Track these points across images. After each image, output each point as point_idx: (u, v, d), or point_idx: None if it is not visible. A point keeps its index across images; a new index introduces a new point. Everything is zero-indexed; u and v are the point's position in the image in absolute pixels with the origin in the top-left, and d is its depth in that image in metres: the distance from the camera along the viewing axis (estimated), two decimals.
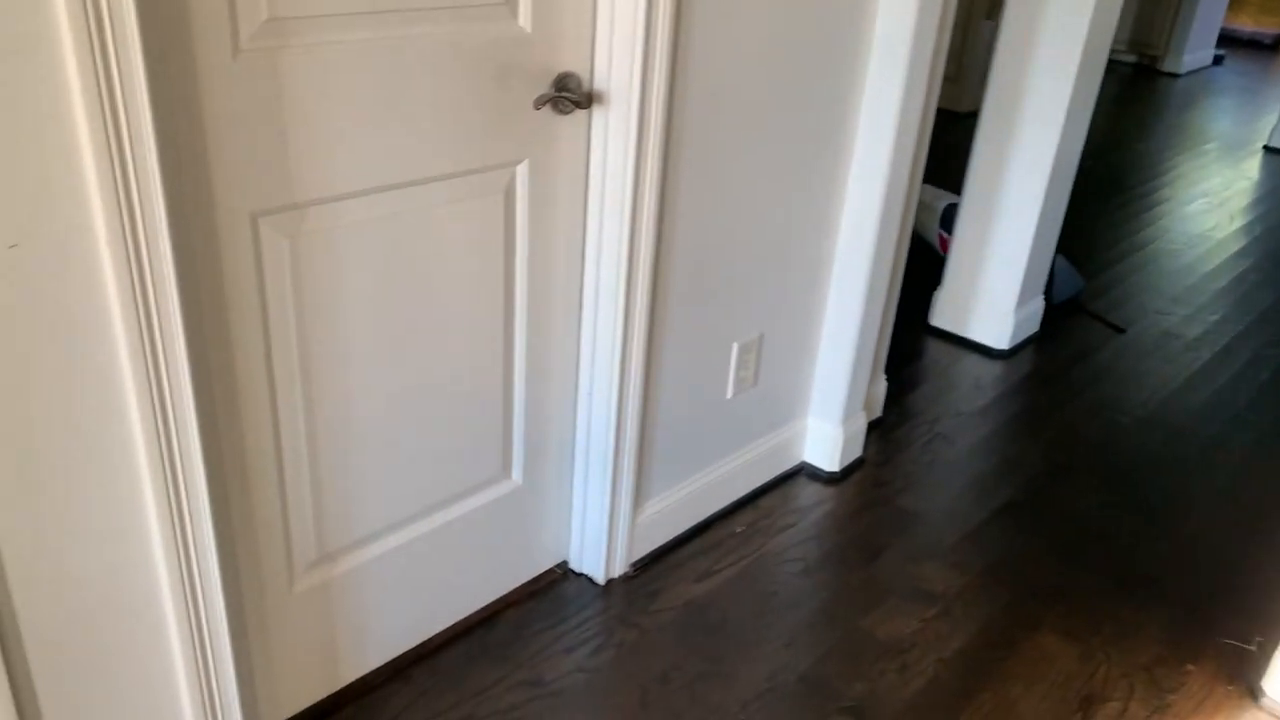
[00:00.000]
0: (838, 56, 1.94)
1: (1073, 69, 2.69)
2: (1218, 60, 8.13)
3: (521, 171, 1.55)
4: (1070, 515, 2.32)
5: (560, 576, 1.99)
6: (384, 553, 1.64)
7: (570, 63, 1.53)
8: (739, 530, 2.17)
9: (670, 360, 1.91)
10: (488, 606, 1.88)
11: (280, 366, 1.37)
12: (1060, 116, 2.75)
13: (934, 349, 3.09)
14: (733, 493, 2.24)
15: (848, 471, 2.41)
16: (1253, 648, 1.94)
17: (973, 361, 3.03)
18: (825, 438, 2.36)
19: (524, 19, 1.45)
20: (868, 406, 2.47)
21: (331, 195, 1.32)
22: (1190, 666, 1.90)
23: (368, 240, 1.39)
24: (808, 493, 2.33)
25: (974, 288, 3.06)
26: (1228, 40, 8.57)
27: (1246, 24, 9.19)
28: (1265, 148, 5.83)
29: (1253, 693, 1.84)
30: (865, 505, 2.30)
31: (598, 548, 1.95)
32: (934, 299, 3.17)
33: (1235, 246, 4.23)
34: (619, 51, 1.53)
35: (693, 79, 1.66)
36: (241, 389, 1.34)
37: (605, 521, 1.92)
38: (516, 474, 1.81)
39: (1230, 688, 1.85)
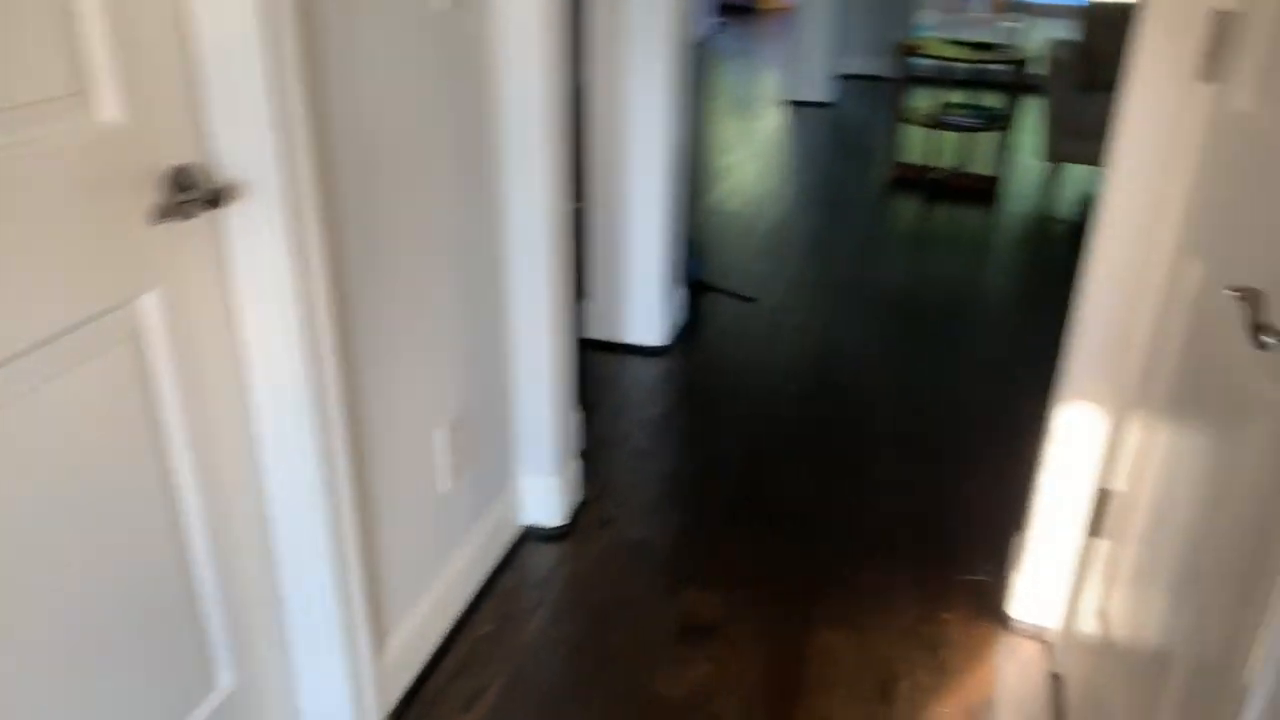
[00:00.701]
0: (472, 92, 1.72)
1: (666, 42, 2.68)
2: (721, 27, 8.99)
3: (149, 305, 1.16)
4: (787, 499, 2.35)
5: None
6: None
7: (188, 152, 1.16)
8: (490, 629, 1.91)
9: (380, 472, 1.59)
10: None
11: None
12: (664, 97, 2.74)
13: (597, 362, 3.00)
14: (471, 587, 1.96)
15: (574, 519, 2.23)
16: (984, 577, 2.08)
17: (637, 365, 2.99)
18: (546, 492, 2.16)
19: (113, 108, 1.06)
20: None
21: None
22: (945, 615, 1.99)
23: None
24: (542, 558, 2.12)
25: (620, 290, 3.01)
26: (725, 7, 9.51)
27: None
28: (791, 101, 6.52)
29: (1002, 621, 1.97)
30: (602, 552, 2.14)
31: (341, 716, 1.60)
32: (582, 311, 3.08)
33: (806, 196, 4.65)
34: (246, 127, 1.19)
35: (340, 145, 1.35)
36: None
37: (344, 679, 1.56)
38: (225, 679, 1.40)
39: (983, 623, 1.97)
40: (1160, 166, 1.56)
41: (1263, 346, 0.89)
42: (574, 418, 2.23)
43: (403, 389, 1.62)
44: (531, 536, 2.18)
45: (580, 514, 2.26)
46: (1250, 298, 0.93)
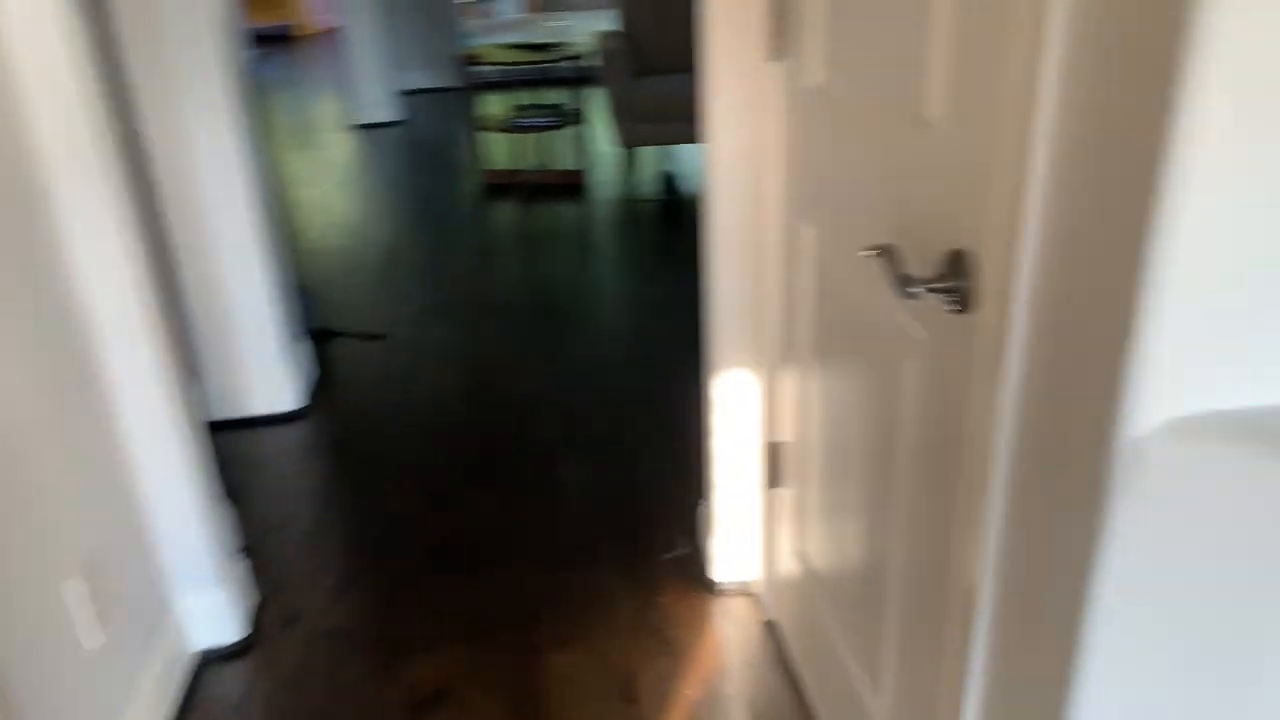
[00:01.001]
0: (8, 179, 1.44)
1: (221, 80, 2.42)
2: (262, 57, 8.48)
3: None
4: (479, 533, 2.27)
5: None
6: None
7: None
8: None
9: (12, 656, 1.29)
10: None
11: None
12: (233, 138, 2.48)
13: (233, 445, 2.69)
14: None
15: (255, 627, 1.99)
16: (683, 551, 2.16)
17: (277, 436, 2.74)
18: (213, 608, 1.90)
19: None
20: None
21: None
22: (660, 599, 2.03)
23: None
24: (230, 682, 1.86)
25: (236, 359, 2.73)
26: (260, 38, 8.98)
27: (263, 20, 9.69)
28: (358, 125, 6.31)
29: (709, 588, 2.05)
30: (298, 653, 1.93)
31: None
32: (200, 393, 2.75)
33: (404, 219, 4.53)
34: None
35: None
36: None
37: None
38: None
39: (694, 595, 2.04)
40: (751, 142, 1.68)
41: (909, 296, 0.98)
42: (223, 514, 1.98)
43: (13, 550, 1.33)
44: (211, 660, 1.91)
45: (261, 618, 2.02)
46: (887, 254, 1.02)
